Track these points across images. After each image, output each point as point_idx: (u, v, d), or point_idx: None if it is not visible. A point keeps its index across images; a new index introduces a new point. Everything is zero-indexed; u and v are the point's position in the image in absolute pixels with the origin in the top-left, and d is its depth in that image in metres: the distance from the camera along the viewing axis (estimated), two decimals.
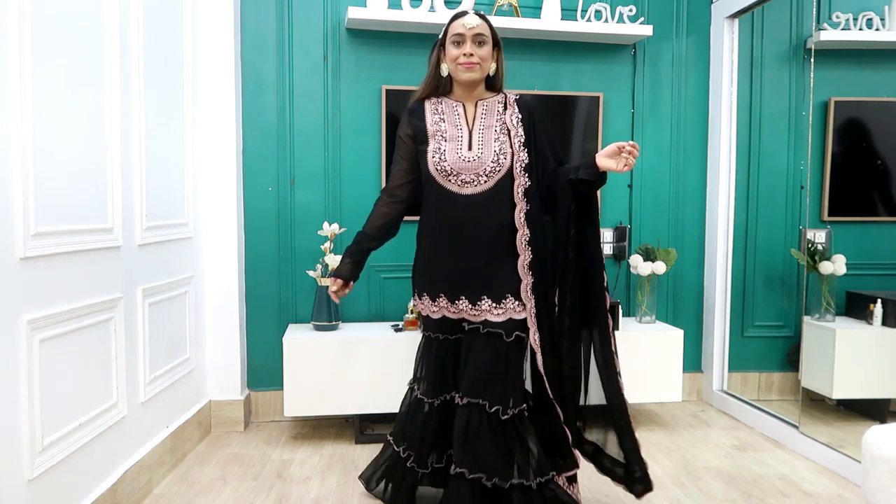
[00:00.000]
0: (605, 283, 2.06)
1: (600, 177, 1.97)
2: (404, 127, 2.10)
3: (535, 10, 3.27)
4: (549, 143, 2.08)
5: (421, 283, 2.12)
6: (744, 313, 3.48)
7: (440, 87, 2.08)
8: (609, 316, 2.07)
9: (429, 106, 2.09)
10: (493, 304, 1.98)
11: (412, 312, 3.01)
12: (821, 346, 3.10)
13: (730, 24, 3.33)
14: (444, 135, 2.02)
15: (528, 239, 1.98)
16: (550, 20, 3.18)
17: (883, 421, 3.04)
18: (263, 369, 3.19)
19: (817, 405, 3.21)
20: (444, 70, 2.05)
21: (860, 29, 3.16)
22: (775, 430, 2.99)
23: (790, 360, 3.44)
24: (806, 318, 3.19)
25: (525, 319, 1.99)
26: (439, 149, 2.01)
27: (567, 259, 2.03)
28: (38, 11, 1.73)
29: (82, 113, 1.96)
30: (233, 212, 3.01)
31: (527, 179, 2.00)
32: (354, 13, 2.99)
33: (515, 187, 1.99)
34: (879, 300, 3.05)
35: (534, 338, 1.99)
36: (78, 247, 1.93)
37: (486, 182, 1.99)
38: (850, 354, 3.04)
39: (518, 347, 2.01)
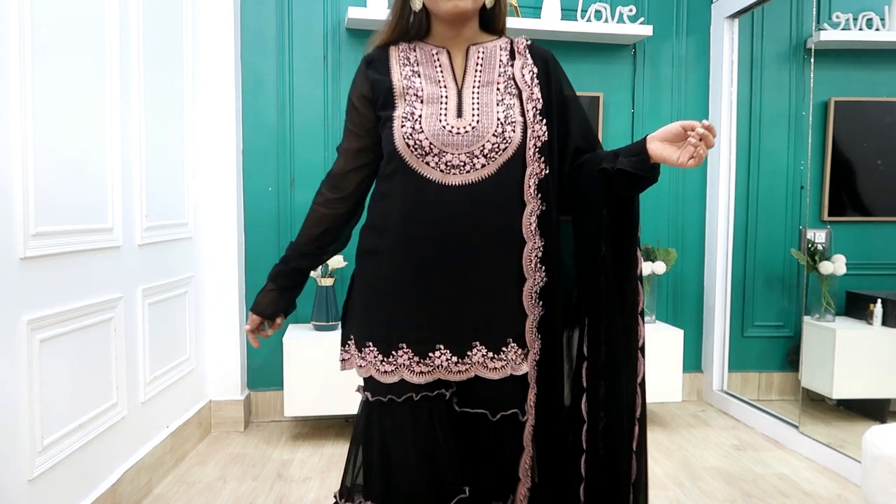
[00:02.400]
0: (641, 341, 1.44)
1: (650, 170, 1.28)
2: (358, 85, 1.38)
3: (535, 10, 3.27)
4: (577, 112, 1.39)
5: (364, 326, 1.34)
6: (744, 313, 3.48)
7: (412, 28, 1.39)
8: (640, 394, 1.44)
9: (396, 53, 1.38)
10: (490, 355, 1.31)
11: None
12: (821, 346, 3.10)
13: (730, 24, 3.33)
14: (420, 94, 1.32)
15: (540, 255, 1.32)
16: (550, 20, 3.18)
17: (883, 421, 3.04)
18: (263, 369, 3.19)
19: (817, 405, 3.21)
20: (417, 2, 1.35)
21: (860, 29, 3.16)
22: (775, 430, 2.99)
23: (790, 360, 3.45)
24: (806, 318, 3.19)
25: (524, 377, 1.36)
26: (412, 114, 1.30)
27: (598, 288, 1.36)
28: (38, 11, 1.73)
29: (82, 113, 1.96)
30: (233, 212, 3.01)
31: (543, 166, 1.31)
32: (354, 13, 2.99)
33: (527, 177, 1.31)
34: (879, 300, 3.05)
35: (531, 398, 1.36)
36: (78, 247, 1.93)
37: (483, 167, 1.29)
38: (850, 354, 3.04)
39: (515, 427, 1.38)
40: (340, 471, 2.60)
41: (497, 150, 1.29)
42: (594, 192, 1.33)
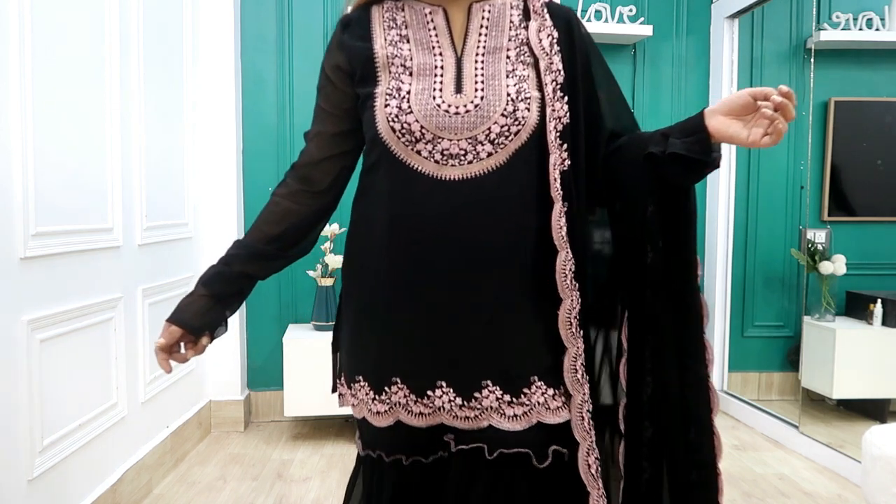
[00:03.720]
0: (709, 370, 1.07)
1: (708, 151, 1.00)
2: (332, 53, 1.12)
3: None
4: (609, 87, 1.12)
5: (352, 357, 1.10)
6: (744, 313, 3.48)
7: None
8: (717, 444, 1.07)
9: (379, 14, 1.11)
10: (506, 397, 1.01)
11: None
12: (821, 346, 3.10)
13: (730, 24, 3.33)
14: (408, 64, 1.05)
15: (573, 268, 1.01)
16: None
17: (883, 421, 3.04)
18: (263, 369, 3.19)
19: (817, 405, 3.21)
20: None
21: (860, 29, 3.16)
22: (775, 430, 2.99)
23: (790, 360, 3.45)
24: (806, 318, 3.19)
25: (566, 424, 1.01)
26: (398, 89, 1.03)
27: (642, 306, 1.06)
28: (38, 12, 1.73)
29: (82, 113, 1.96)
30: (233, 212, 3.01)
31: (566, 155, 1.02)
32: None
33: (551, 169, 1.01)
34: (879, 300, 3.05)
35: (587, 462, 1.00)
36: (78, 247, 1.93)
37: (489, 155, 1.01)
38: (850, 354, 3.04)
39: (561, 486, 1.02)
40: (340, 471, 2.60)
41: (507, 133, 1.01)
42: (638, 184, 1.04)
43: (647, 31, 3.23)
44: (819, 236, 3.26)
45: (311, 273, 3.04)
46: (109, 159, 2.11)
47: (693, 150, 0.99)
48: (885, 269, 3.28)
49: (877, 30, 3.15)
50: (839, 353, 3.03)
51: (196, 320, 1.09)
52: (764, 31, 3.38)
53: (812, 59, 3.06)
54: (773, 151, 3.41)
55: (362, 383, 1.08)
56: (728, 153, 3.37)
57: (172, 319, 1.08)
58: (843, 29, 3.18)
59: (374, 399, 1.06)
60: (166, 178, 2.58)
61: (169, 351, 1.08)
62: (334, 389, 1.17)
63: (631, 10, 3.25)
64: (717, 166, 1.02)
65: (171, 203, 2.63)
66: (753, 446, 2.91)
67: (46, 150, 1.77)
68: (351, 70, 1.08)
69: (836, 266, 3.13)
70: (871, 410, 3.12)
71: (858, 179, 3.39)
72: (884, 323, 3.05)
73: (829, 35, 3.16)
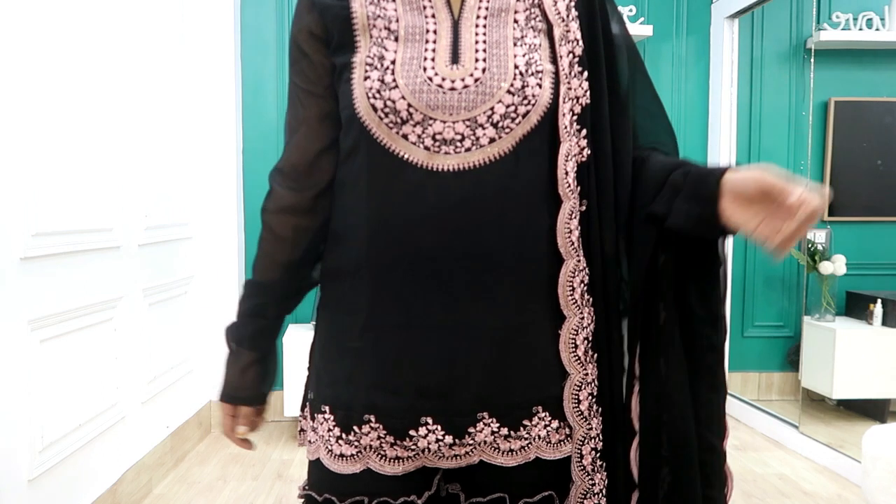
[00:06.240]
0: (725, 430, 0.91)
1: (713, 231, 0.85)
2: (302, 17, 0.93)
3: None
4: (636, 66, 0.96)
5: (321, 382, 0.90)
6: (744, 313, 3.48)
7: None
8: None
9: None
10: (503, 431, 0.85)
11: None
12: (821, 346, 3.10)
13: (730, 24, 3.33)
14: (394, 27, 0.85)
15: (586, 279, 0.87)
16: None
17: (883, 421, 3.05)
18: None
19: (817, 405, 3.21)
20: None
21: (860, 29, 3.16)
22: (775, 430, 2.99)
23: (790, 360, 3.45)
24: (806, 318, 3.19)
25: (567, 461, 0.87)
26: (381, 58, 0.84)
27: (671, 343, 0.88)
28: (38, 11, 1.73)
29: (83, 113, 1.96)
30: (233, 212, 3.02)
31: (584, 143, 0.86)
32: None
33: (562, 159, 0.85)
34: (879, 300, 3.05)
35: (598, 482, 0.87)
36: (78, 247, 1.93)
37: (492, 141, 0.83)
38: (850, 354, 3.04)
39: None
40: None
41: (514, 115, 0.82)
42: (644, 227, 0.87)
43: (647, 31, 3.23)
44: (819, 236, 3.26)
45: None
46: (109, 159, 2.11)
47: (698, 227, 0.84)
48: (885, 269, 3.28)
49: (877, 30, 3.16)
50: (839, 353, 3.03)
51: (257, 389, 0.95)
52: (764, 31, 3.38)
53: (812, 59, 3.06)
54: (773, 151, 3.41)
55: (327, 416, 0.87)
56: (728, 154, 3.37)
57: (232, 401, 0.94)
58: (843, 29, 3.18)
59: (338, 438, 0.86)
60: (166, 178, 2.58)
61: (245, 426, 0.96)
62: (303, 408, 0.98)
63: (631, 10, 3.25)
64: (733, 233, 0.84)
65: (171, 203, 2.63)
66: (753, 446, 2.91)
67: (47, 151, 1.77)
68: (326, 35, 0.88)
69: (836, 266, 3.13)
70: (871, 410, 3.12)
71: (858, 179, 3.39)
72: (884, 323, 3.05)
73: (829, 35, 3.17)
